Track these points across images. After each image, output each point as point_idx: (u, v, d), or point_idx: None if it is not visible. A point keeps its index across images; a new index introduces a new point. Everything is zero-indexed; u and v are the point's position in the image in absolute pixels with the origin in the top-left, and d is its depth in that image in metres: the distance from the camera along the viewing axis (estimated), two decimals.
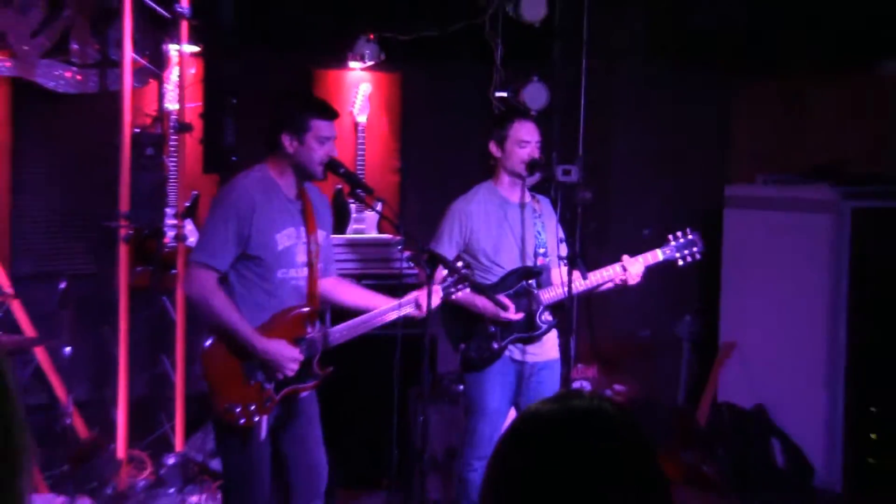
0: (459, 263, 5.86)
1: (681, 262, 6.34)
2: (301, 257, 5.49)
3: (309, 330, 5.48)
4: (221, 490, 5.88)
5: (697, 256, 6.35)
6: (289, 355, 5.34)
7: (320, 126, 5.30)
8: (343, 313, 5.83)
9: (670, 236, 6.30)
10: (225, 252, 5.32)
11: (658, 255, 6.24)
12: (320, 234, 5.59)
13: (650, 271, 6.34)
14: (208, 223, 5.48)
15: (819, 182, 8.37)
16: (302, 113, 5.35)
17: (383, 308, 5.63)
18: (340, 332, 5.62)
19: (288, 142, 5.27)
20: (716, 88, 9.66)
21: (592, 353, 8.11)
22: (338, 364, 5.68)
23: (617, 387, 8.53)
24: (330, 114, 5.40)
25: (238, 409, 5.33)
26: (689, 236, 6.29)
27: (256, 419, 5.33)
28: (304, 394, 5.60)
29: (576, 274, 5.97)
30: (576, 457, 1.76)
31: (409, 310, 5.64)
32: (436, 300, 5.61)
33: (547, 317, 6.26)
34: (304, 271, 5.53)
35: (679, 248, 6.30)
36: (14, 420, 1.81)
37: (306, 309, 5.48)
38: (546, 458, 1.78)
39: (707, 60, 9.27)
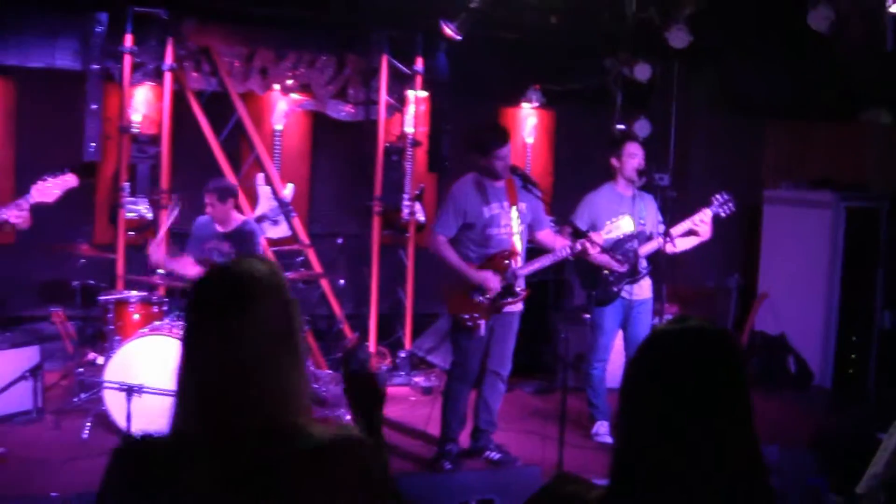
0: (618, 234, 6.26)
1: (722, 215, 6.51)
2: (504, 221, 5.95)
3: (510, 264, 5.96)
4: (450, 366, 6.21)
5: (733, 208, 6.52)
6: (492, 279, 5.87)
7: (496, 152, 5.84)
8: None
9: (712, 198, 6.53)
10: (449, 224, 5.92)
11: (708, 212, 6.45)
12: (521, 206, 6.01)
13: (713, 246, 6.68)
14: (440, 207, 6.10)
15: (823, 189, 8.75)
16: (485, 144, 5.89)
17: (558, 249, 6.01)
18: (531, 265, 6.04)
19: (479, 160, 5.93)
20: (754, 126, 9.74)
21: (674, 295, 7.88)
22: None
23: None
24: (501, 143, 5.86)
25: (466, 316, 5.92)
26: (725, 196, 6.50)
27: (478, 322, 5.91)
28: (510, 309, 6.03)
29: (667, 242, 6.32)
30: (691, 358, 1.79)
31: (567, 251, 5.98)
32: (598, 253, 6.17)
33: (645, 264, 6.56)
34: (508, 229, 5.96)
35: (720, 205, 6.49)
36: (292, 306, 1.97)
37: (508, 252, 5.96)
38: (670, 360, 1.81)
39: (749, 108, 9.45)
